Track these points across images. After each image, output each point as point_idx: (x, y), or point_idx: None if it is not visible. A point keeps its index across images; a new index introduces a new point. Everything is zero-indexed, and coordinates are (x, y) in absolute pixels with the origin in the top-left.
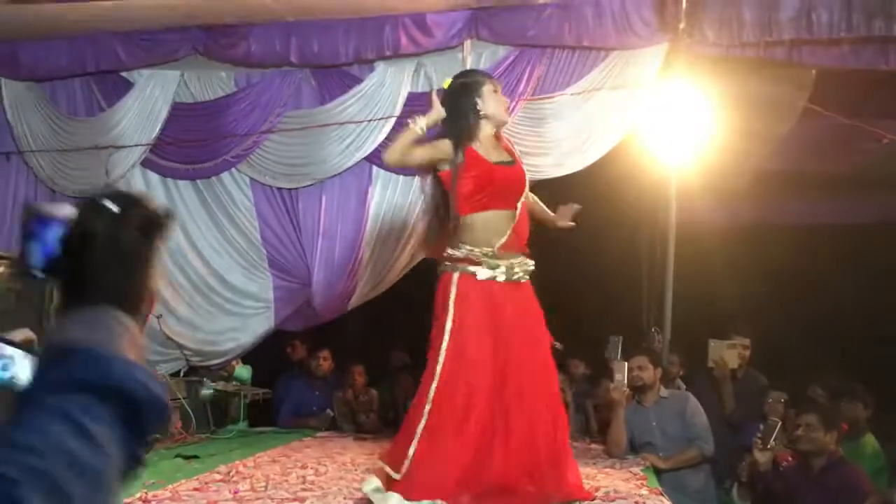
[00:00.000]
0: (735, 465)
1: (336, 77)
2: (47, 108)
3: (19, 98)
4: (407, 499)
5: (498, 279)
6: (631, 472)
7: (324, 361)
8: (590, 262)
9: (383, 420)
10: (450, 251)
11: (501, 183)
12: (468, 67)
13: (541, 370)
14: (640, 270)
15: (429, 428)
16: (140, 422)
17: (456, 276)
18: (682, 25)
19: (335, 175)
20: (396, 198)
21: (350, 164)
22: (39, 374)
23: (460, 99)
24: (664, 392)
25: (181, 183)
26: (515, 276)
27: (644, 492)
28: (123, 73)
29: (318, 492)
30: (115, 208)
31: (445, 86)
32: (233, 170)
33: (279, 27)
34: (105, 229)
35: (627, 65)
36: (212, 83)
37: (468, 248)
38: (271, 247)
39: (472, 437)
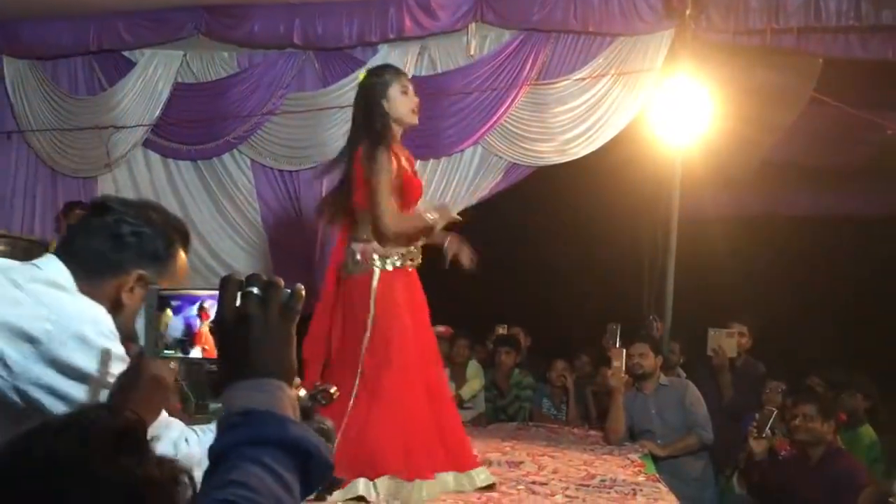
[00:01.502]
0: (734, 453)
1: (339, 59)
2: (48, 86)
3: (21, 76)
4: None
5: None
6: (629, 458)
7: None
8: (592, 249)
9: None
10: (362, 246)
11: (416, 193)
12: (471, 52)
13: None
14: (642, 259)
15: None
16: (308, 476)
17: (377, 272)
18: (688, 11)
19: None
20: None
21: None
22: (230, 431)
23: (368, 100)
24: (664, 380)
25: (182, 163)
26: (411, 264)
27: (641, 479)
28: (125, 53)
29: None
30: (258, 292)
31: (360, 77)
32: (234, 151)
33: (282, 8)
34: (255, 311)
35: (633, 51)
36: (214, 63)
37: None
38: (272, 229)
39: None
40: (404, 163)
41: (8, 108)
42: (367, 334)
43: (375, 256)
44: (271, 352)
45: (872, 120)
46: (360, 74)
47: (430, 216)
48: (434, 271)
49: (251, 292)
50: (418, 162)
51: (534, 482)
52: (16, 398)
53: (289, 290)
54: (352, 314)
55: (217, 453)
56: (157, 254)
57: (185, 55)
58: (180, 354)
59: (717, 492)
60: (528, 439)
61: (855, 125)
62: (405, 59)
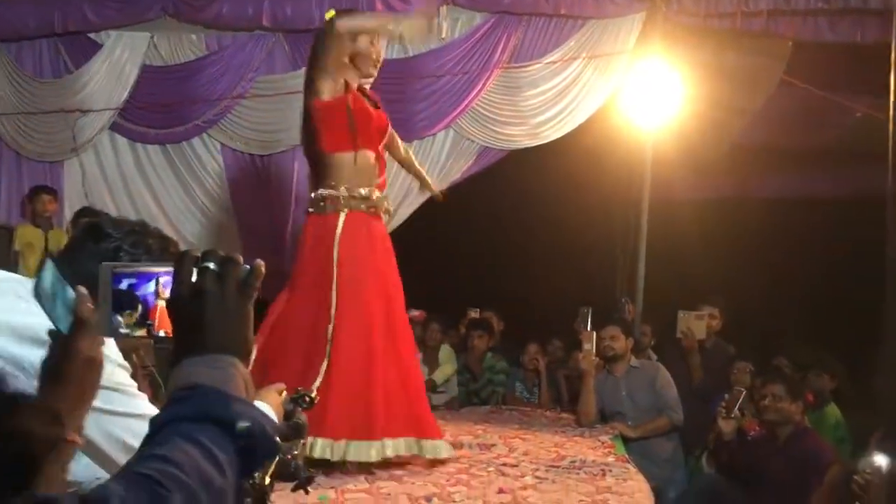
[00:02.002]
0: (704, 434)
1: (309, 41)
2: (13, 69)
3: None
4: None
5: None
6: (599, 440)
7: None
8: (565, 233)
9: None
10: (326, 192)
11: (373, 121)
12: (443, 35)
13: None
14: (615, 242)
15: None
16: (251, 456)
17: (342, 216)
18: None
19: None
20: None
21: None
22: (172, 406)
23: (327, 39)
24: (635, 362)
25: (150, 147)
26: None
27: (611, 459)
28: (91, 35)
29: None
30: (215, 268)
31: (328, 16)
32: (203, 135)
33: None
34: (211, 287)
35: (604, 34)
36: (182, 46)
37: (345, 187)
38: (242, 213)
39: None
40: (366, 103)
41: None
42: (334, 282)
43: (341, 200)
44: (226, 328)
45: (841, 102)
46: (329, 14)
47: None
48: (408, 256)
49: (208, 268)
50: None
51: (504, 464)
52: None
53: (247, 267)
54: (315, 255)
55: (155, 427)
56: None
57: (152, 37)
58: (137, 333)
59: (686, 472)
60: (500, 422)
61: (824, 107)
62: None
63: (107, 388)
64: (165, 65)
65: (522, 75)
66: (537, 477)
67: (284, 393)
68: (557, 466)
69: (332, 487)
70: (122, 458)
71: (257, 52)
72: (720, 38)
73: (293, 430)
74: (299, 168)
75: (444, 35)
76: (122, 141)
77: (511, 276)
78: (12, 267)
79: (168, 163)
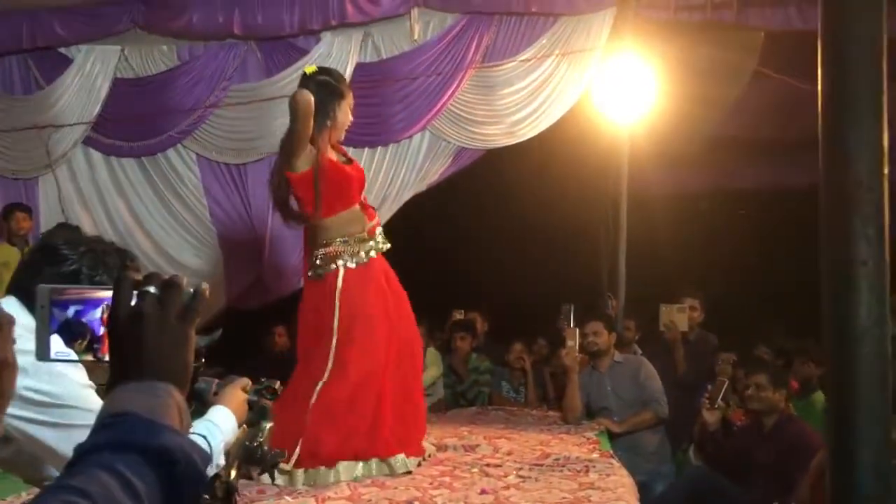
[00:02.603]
0: (690, 426)
1: (282, 49)
2: None
3: None
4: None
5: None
6: (585, 436)
7: (279, 338)
8: (546, 231)
9: None
10: (322, 251)
11: (352, 182)
12: (415, 37)
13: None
14: (597, 238)
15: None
16: (177, 488)
17: (342, 272)
18: None
19: None
20: None
21: None
22: (94, 433)
23: (322, 98)
24: (618, 357)
25: (125, 161)
26: (383, 249)
27: (595, 455)
28: (61, 49)
29: None
30: (155, 291)
31: (308, 71)
32: (178, 146)
33: None
34: (151, 310)
35: (576, 31)
36: (154, 57)
37: (341, 238)
38: (220, 224)
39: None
40: (336, 156)
41: None
42: (334, 337)
43: (338, 252)
44: (164, 354)
45: (815, 92)
46: (309, 69)
47: None
48: (390, 259)
49: (148, 291)
50: (366, 149)
51: (488, 464)
52: None
53: (190, 290)
54: (318, 317)
55: (77, 454)
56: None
57: (123, 50)
58: (74, 358)
59: (674, 465)
60: (486, 423)
61: (798, 98)
62: (348, 46)
63: (88, 409)
64: (137, 77)
65: (496, 74)
66: (520, 476)
67: (250, 384)
68: (541, 465)
69: (312, 496)
70: None
71: (230, 60)
72: (692, 31)
73: (257, 414)
74: None
75: (416, 37)
76: (96, 155)
77: (494, 275)
78: None
79: (144, 175)
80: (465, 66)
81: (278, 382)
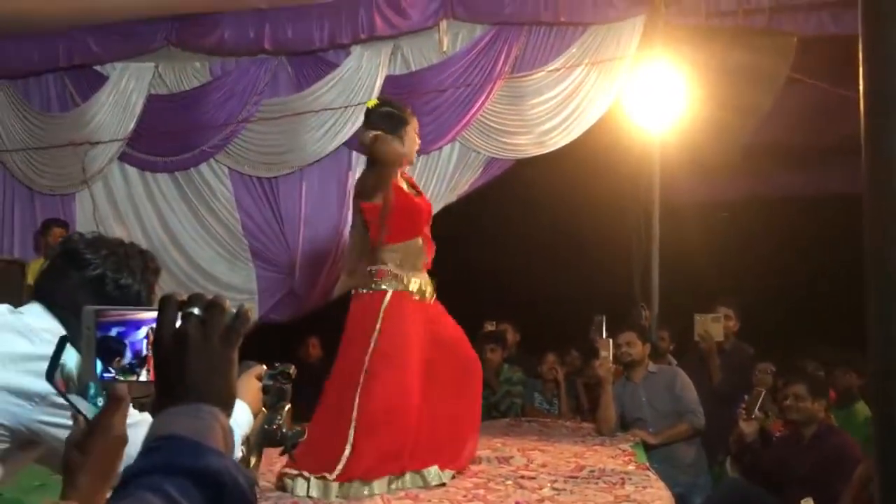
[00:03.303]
0: (726, 437)
1: (312, 63)
2: (21, 105)
3: None
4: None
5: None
6: (620, 448)
7: (312, 349)
8: (577, 241)
9: None
10: (375, 267)
11: (422, 212)
12: (444, 48)
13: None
14: (629, 247)
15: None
16: None
17: (389, 293)
18: None
19: (315, 162)
20: None
21: (329, 149)
22: (142, 456)
23: (387, 127)
24: (652, 367)
25: (160, 176)
26: (428, 294)
27: (631, 468)
28: (97, 67)
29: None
30: (199, 312)
31: (370, 105)
32: (211, 160)
33: (252, 14)
34: (195, 333)
35: (606, 39)
36: (186, 74)
37: (394, 265)
38: (253, 237)
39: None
40: (406, 188)
41: None
42: (372, 345)
43: (389, 278)
44: (208, 376)
45: (850, 97)
46: (371, 102)
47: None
48: None
49: (192, 313)
50: None
51: (522, 476)
52: (23, 429)
53: (233, 312)
54: (359, 329)
55: (125, 478)
56: (140, 300)
57: (157, 66)
58: (122, 378)
59: (711, 477)
60: (519, 434)
61: (833, 103)
62: (378, 59)
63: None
64: (171, 93)
65: (526, 84)
66: (555, 488)
67: (264, 369)
68: (576, 477)
69: None
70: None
71: (261, 75)
72: (723, 37)
73: (274, 397)
74: (307, 189)
75: (445, 49)
76: (131, 171)
77: (525, 286)
78: (26, 301)
79: (177, 190)
80: (494, 77)
81: (293, 367)
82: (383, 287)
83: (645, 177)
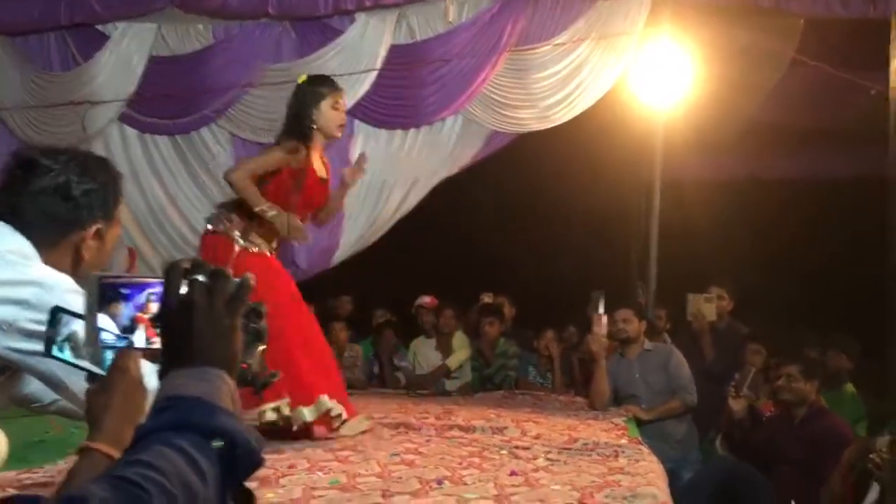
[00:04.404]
0: (717, 415)
1: (316, 29)
2: (21, 63)
3: None
4: None
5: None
6: (613, 423)
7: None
8: (577, 216)
9: (368, 375)
10: (238, 218)
11: (318, 199)
12: (450, 18)
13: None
14: (629, 224)
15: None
16: (234, 467)
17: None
18: None
19: None
20: (379, 151)
21: None
22: (154, 415)
23: (300, 105)
24: (648, 345)
25: (159, 138)
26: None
27: (624, 441)
28: (98, 26)
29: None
30: (203, 279)
31: (300, 80)
32: (212, 125)
33: None
34: (201, 300)
35: (613, 14)
36: (189, 36)
37: (258, 231)
38: None
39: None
40: (318, 166)
41: None
42: None
43: (236, 232)
44: (214, 341)
45: (854, 80)
46: (300, 77)
47: (271, 212)
48: (419, 243)
49: (197, 280)
50: (398, 131)
51: (516, 447)
52: None
53: (236, 280)
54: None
55: (138, 436)
56: (107, 205)
57: (159, 28)
58: (121, 344)
59: (700, 453)
60: (513, 406)
61: (837, 86)
62: (382, 27)
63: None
64: (173, 55)
65: (531, 58)
66: (549, 459)
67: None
68: (570, 448)
69: (343, 472)
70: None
71: (265, 40)
72: (730, 16)
73: (251, 336)
74: None
75: (451, 19)
76: (131, 132)
77: (523, 260)
78: None
79: (177, 153)
80: (499, 49)
81: (264, 304)
82: (234, 237)
83: (647, 154)
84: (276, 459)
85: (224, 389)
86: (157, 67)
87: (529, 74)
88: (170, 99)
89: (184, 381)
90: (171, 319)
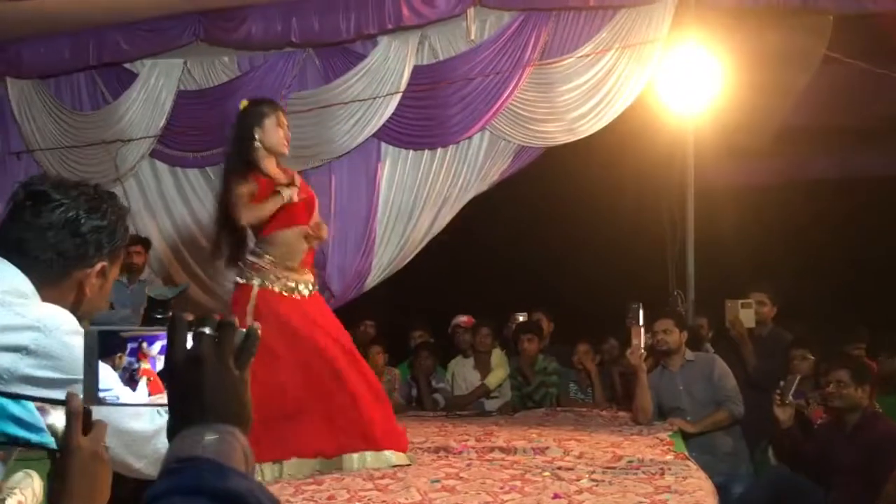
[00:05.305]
0: (766, 426)
1: (340, 55)
2: (53, 104)
3: (25, 96)
4: None
5: (294, 296)
6: (658, 437)
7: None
8: (611, 228)
9: (407, 398)
10: (251, 258)
11: (296, 204)
12: (472, 36)
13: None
14: (664, 233)
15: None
16: None
17: (255, 289)
18: None
19: (344, 154)
20: (407, 172)
21: (358, 141)
22: (164, 478)
23: (242, 127)
24: (690, 355)
25: (190, 171)
26: (304, 292)
27: (670, 457)
28: (126, 65)
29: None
30: (210, 332)
31: (241, 106)
32: None
33: (278, 7)
34: (209, 354)
35: (636, 22)
36: (215, 69)
37: (270, 258)
38: None
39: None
40: (280, 181)
41: (15, 129)
42: None
43: (254, 273)
44: (225, 397)
45: (888, 75)
46: (242, 104)
47: (285, 192)
48: (452, 262)
49: (203, 333)
50: (426, 151)
51: (559, 467)
52: None
53: (244, 331)
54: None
55: (147, 499)
56: (114, 244)
57: (185, 62)
58: (125, 402)
59: (752, 466)
60: (555, 425)
61: (871, 83)
62: (405, 48)
63: None
64: (200, 88)
65: (555, 71)
66: (593, 479)
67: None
68: (614, 467)
69: (382, 502)
70: None
71: (289, 68)
72: (757, 18)
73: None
74: (336, 182)
75: (473, 37)
76: (162, 167)
77: (558, 275)
78: None
79: (208, 185)
80: (523, 65)
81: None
82: (253, 282)
83: (678, 162)
84: (315, 491)
85: (237, 447)
86: (185, 101)
87: (554, 88)
88: (199, 132)
89: (194, 440)
90: (178, 375)
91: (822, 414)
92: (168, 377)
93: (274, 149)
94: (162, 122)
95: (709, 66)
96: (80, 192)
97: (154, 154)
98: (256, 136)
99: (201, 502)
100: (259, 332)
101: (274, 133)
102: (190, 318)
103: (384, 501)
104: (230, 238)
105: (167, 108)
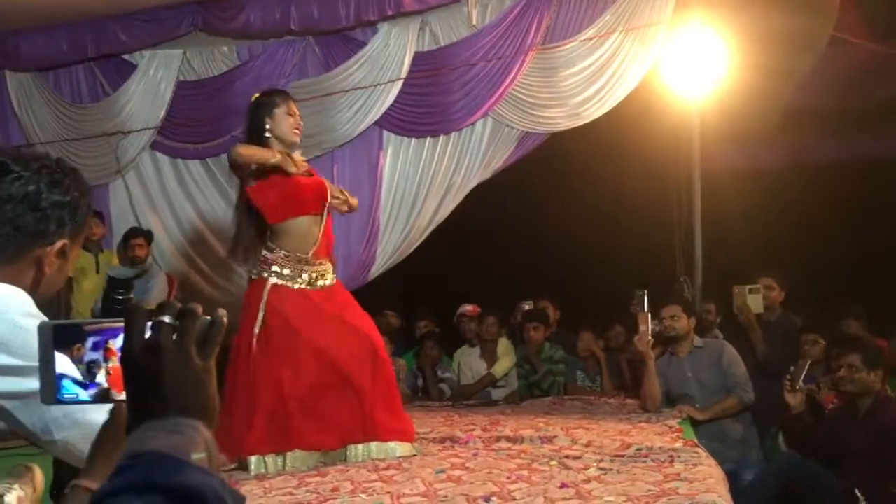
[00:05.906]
0: (776, 412)
1: (340, 42)
2: (52, 97)
3: (24, 90)
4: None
5: (315, 289)
6: (667, 425)
7: None
8: (616, 214)
9: (413, 389)
10: (265, 254)
11: (304, 191)
12: (473, 22)
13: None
14: (670, 218)
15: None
16: None
17: (269, 284)
18: None
19: (346, 143)
20: (410, 160)
21: (360, 129)
22: (114, 476)
23: (254, 119)
24: (698, 341)
25: (191, 162)
26: (320, 284)
27: (679, 445)
28: (125, 56)
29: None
30: (170, 321)
31: (253, 99)
32: None
33: None
34: (168, 343)
35: (640, 4)
36: (214, 59)
37: (283, 252)
38: None
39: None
40: (292, 168)
41: (15, 122)
42: (256, 333)
43: (267, 268)
44: (186, 387)
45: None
46: (254, 97)
47: (276, 157)
48: (456, 251)
49: (162, 321)
50: (428, 139)
51: (567, 456)
52: None
53: (208, 318)
54: (246, 315)
55: (94, 500)
56: (76, 222)
57: (184, 53)
58: (84, 399)
59: (762, 452)
60: (562, 413)
61: (880, 63)
62: (406, 35)
63: None
64: (199, 79)
65: (558, 55)
66: (601, 468)
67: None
68: (622, 455)
69: (387, 493)
70: None
71: (289, 57)
72: None
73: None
74: (338, 171)
75: (474, 22)
76: (163, 158)
77: (564, 262)
78: (66, 292)
79: (209, 176)
80: (525, 49)
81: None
82: (265, 276)
83: (684, 146)
84: (319, 483)
85: (198, 441)
86: (185, 92)
87: (558, 72)
88: (199, 122)
89: (150, 434)
90: (136, 366)
91: (834, 399)
92: (125, 369)
93: (284, 137)
94: (162, 114)
95: (714, 48)
96: (41, 164)
97: (155, 146)
98: (267, 127)
99: (155, 499)
100: (224, 320)
101: (284, 122)
102: (150, 307)
103: (388, 493)
104: (249, 235)
105: (167, 100)
